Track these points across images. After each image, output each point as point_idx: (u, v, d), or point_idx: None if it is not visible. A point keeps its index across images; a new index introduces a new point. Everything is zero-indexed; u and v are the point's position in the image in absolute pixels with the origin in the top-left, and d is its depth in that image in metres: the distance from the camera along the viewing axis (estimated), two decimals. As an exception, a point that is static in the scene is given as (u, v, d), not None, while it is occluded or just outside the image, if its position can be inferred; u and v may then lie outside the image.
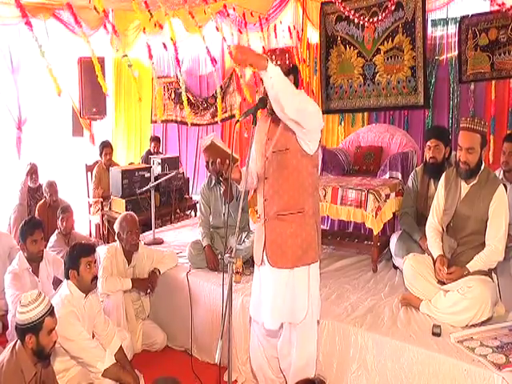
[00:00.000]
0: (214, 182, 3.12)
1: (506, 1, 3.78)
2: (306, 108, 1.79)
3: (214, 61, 4.94)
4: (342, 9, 4.53)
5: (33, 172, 4.45)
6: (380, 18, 4.31)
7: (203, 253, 2.99)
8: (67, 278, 2.35)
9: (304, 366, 2.12)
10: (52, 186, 4.17)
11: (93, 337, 2.41)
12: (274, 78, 1.66)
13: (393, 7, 4.21)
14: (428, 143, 2.84)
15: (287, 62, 1.91)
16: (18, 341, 1.89)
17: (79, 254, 2.33)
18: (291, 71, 1.93)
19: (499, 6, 3.76)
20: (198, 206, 3.33)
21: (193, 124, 6.68)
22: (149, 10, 4.07)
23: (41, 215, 4.06)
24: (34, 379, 1.89)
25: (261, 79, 1.72)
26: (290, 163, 1.94)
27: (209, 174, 3.18)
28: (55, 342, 1.94)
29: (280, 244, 1.99)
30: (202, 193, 3.18)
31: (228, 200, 2.84)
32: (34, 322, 1.85)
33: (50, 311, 1.91)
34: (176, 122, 6.90)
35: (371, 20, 4.38)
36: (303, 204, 1.98)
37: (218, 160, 1.96)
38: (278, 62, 1.88)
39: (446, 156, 2.82)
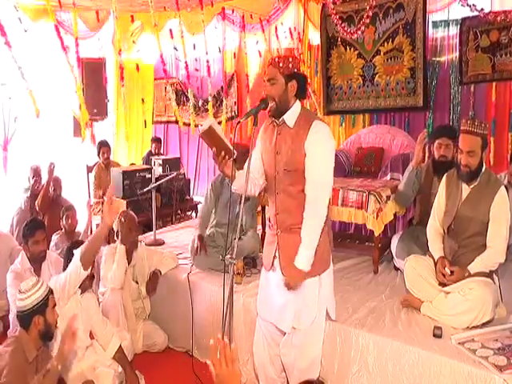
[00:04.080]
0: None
1: (486, 6, 3.84)
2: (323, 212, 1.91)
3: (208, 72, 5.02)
4: (335, 14, 4.58)
5: (35, 175, 4.46)
6: (359, 26, 4.43)
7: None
8: None
9: (307, 369, 2.09)
10: (57, 180, 4.21)
11: (91, 337, 2.41)
12: (310, 260, 1.90)
13: (370, 12, 4.30)
14: (439, 141, 2.81)
15: (290, 66, 1.89)
16: (20, 329, 1.96)
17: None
18: (294, 76, 1.90)
19: (478, 11, 3.82)
20: (202, 201, 3.33)
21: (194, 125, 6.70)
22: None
23: (42, 208, 4.06)
24: (35, 362, 1.93)
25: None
26: (300, 182, 1.91)
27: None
28: (58, 317, 2.02)
29: (293, 257, 1.95)
30: (212, 184, 3.17)
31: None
32: (40, 301, 1.92)
33: (52, 290, 2.02)
34: (178, 122, 6.92)
35: (358, 26, 4.45)
36: None
37: (214, 149, 1.87)
38: (281, 65, 1.88)
39: (454, 155, 2.78)
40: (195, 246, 2.98)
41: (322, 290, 2.02)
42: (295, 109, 1.94)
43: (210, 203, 3.14)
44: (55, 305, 2.02)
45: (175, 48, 5.45)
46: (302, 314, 2.01)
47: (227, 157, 1.87)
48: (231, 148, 1.86)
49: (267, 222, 2.15)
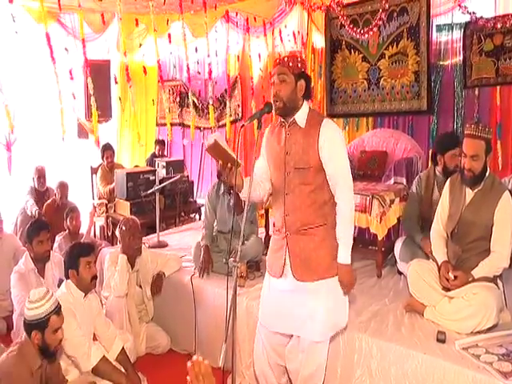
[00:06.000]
0: (222, 189, 3.11)
1: (490, 9, 3.85)
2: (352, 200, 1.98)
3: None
4: (340, 17, 4.60)
5: (40, 175, 4.48)
6: (371, 27, 4.44)
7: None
8: (67, 277, 2.36)
9: (311, 375, 2.07)
10: (64, 186, 4.27)
11: (94, 338, 2.41)
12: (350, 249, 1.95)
13: (383, 15, 4.29)
14: (453, 152, 2.72)
15: (299, 66, 1.91)
16: (25, 335, 1.91)
17: (79, 253, 2.34)
18: (302, 76, 1.92)
19: (477, 19, 3.83)
20: (203, 209, 3.34)
21: (197, 127, 6.72)
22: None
23: (47, 214, 4.10)
24: (40, 371, 1.89)
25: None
26: (312, 180, 1.92)
27: (217, 179, 3.20)
28: (60, 340, 1.94)
29: (304, 258, 1.95)
30: (208, 197, 3.17)
31: (237, 212, 2.84)
32: (40, 319, 1.86)
33: (57, 310, 1.92)
34: (181, 125, 6.95)
35: (369, 27, 4.45)
36: (325, 217, 1.95)
37: (220, 162, 1.84)
38: (290, 64, 1.89)
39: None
40: (200, 260, 2.96)
41: (336, 291, 2.00)
42: (304, 109, 1.95)
43: (210, 216, 3.15)
44: (58, 328, 1.90)
45: (171, 53, 5.50)
46: (310, 324, 1.98)
47: (233, 168, 1.86)
48: (236, 159, 1.87)
49: (272, 227, 2.12)
